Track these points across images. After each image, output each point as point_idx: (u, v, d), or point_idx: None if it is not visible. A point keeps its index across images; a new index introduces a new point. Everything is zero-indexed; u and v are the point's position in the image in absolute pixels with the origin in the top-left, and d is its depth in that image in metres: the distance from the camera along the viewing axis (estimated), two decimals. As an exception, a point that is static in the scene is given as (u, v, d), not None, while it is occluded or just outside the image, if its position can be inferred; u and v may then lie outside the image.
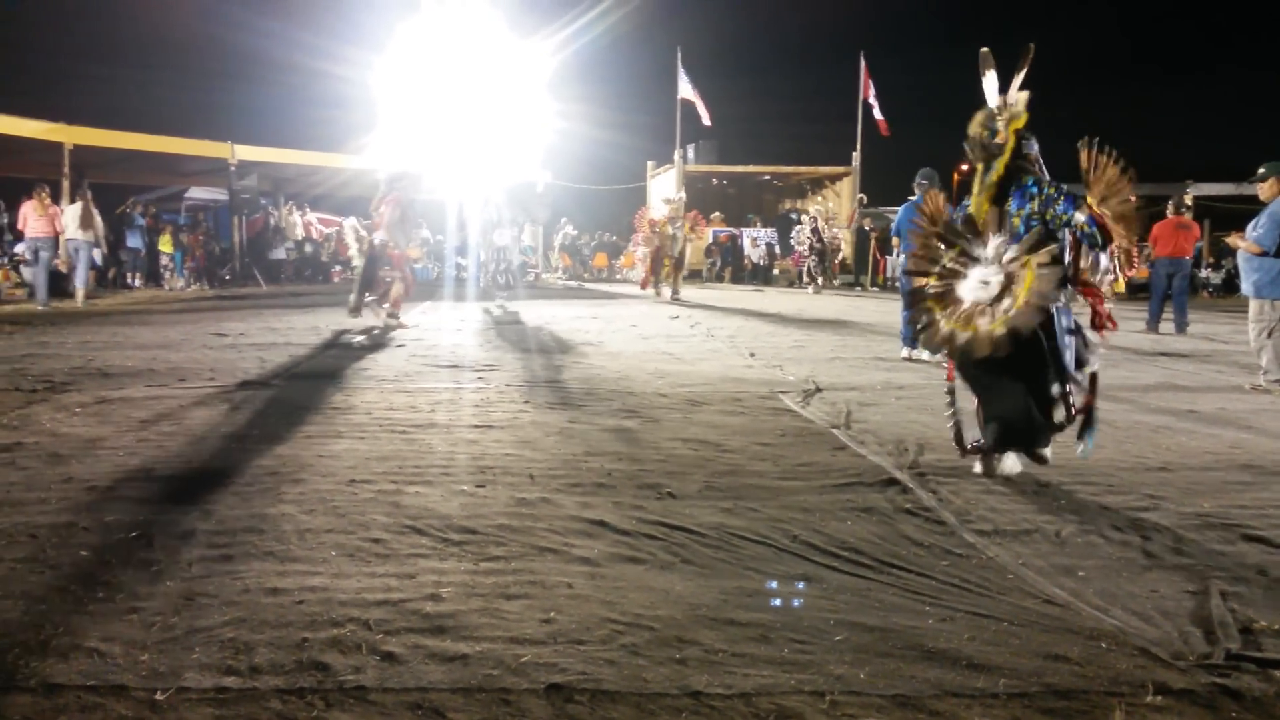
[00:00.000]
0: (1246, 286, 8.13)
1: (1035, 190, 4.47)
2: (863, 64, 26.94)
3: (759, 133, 36.52)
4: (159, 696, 2.39)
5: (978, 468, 4.71)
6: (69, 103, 22.00)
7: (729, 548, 3.60)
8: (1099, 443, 5.39)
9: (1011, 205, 4.50)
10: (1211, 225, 25.60)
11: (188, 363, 8.30)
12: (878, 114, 26.98)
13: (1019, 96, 4.55)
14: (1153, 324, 12.88)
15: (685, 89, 26.72)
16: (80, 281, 16.19)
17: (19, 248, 17.82)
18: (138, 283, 20.59)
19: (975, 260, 4.43)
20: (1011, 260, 4.29)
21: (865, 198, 25.76)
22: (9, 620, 2.82)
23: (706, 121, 26.80)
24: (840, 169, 27.74)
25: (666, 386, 7.30)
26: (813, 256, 22.30)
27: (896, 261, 13.64)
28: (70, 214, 15.99)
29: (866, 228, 24.65)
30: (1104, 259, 4.51)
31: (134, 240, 20.45)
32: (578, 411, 6.23)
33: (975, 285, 4.35)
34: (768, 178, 30.28)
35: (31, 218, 15.33)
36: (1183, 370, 8.85)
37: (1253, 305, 7.99)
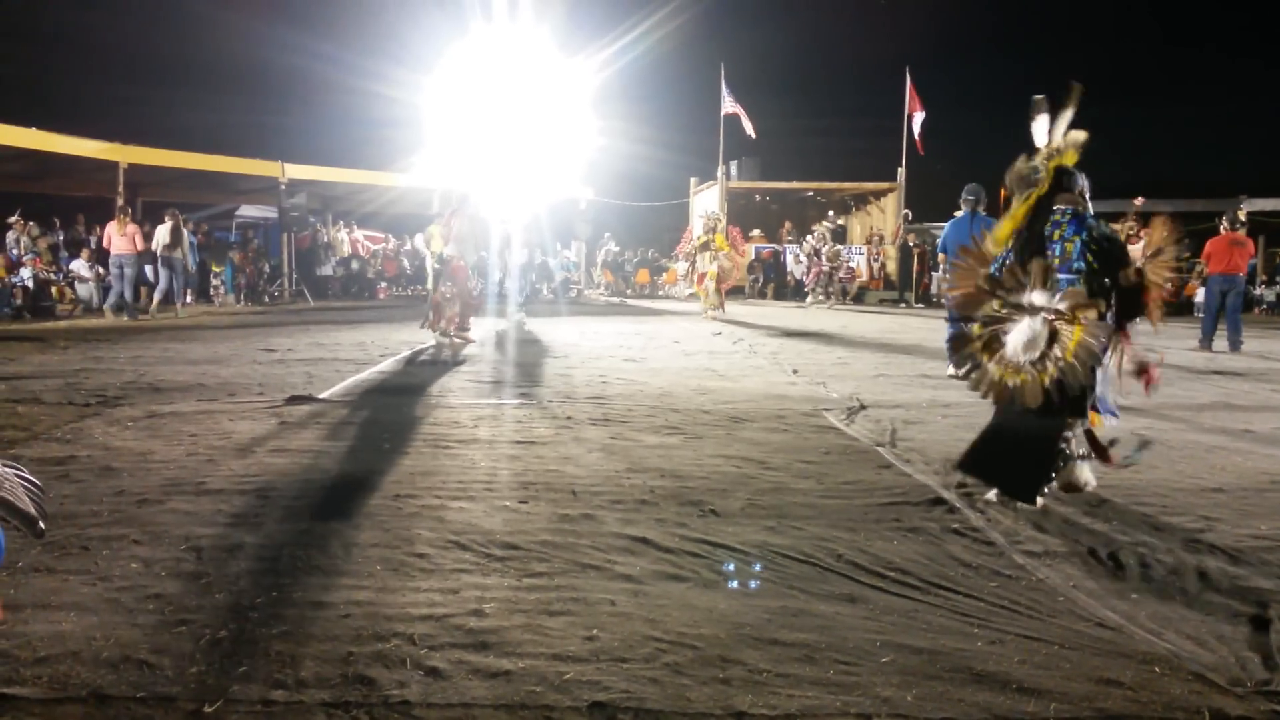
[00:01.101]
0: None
1: (1093, 222, 4.44)
2: (908, 80, 26.80)
3: (802, 149, 36.32)
4: (207, 709, 2.42)
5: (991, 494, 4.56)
6: (124, 124, 22.48)
7: (773, 567, 3.57)
8: (1152, 462, 5.30)
9: (1067, 230, 4.43)
10: (1266, 241, 25.10)
11: (237, 378, 8.43)
12: (918, 131, 26.80)
13: (1072, 138, 4.49)
14: (1206, 342, 12.64)
15: (728, 105, 26.72)
16: (160, 294, 17.22)
17: (74, 264, 18.27)
18: (189, 299, 20.95)
19: (1021, 308, 4.37)
20: (1058, 312, 4.23)
21: (910, 213, 25.60)
22: (61, 631, 2.87)
23: (751, 134, 26.73)
24: (885, 185, 27.57)
25: (709, 403, 7.28)
26: (817, 271, 22.38)
27: (942, 278, 13.51)
28: (160, 232, 17.15)
29: (911, 244, 24.49)
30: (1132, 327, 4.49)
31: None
32: (620, 428, 6.23)
33: (1023, 337, 4.29)
34: (811, 194, 30.16)
35: (115, 236, 16.48)
36: (1237, 389, 8.67)
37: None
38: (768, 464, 5.24)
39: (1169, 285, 4.49)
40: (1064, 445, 4.43)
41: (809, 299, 22.29)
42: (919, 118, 26.58)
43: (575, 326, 14.89)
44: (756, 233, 28.12)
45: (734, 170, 27.83)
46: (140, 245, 16.70)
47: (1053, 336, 4.20)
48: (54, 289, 17.56)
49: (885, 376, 9.11)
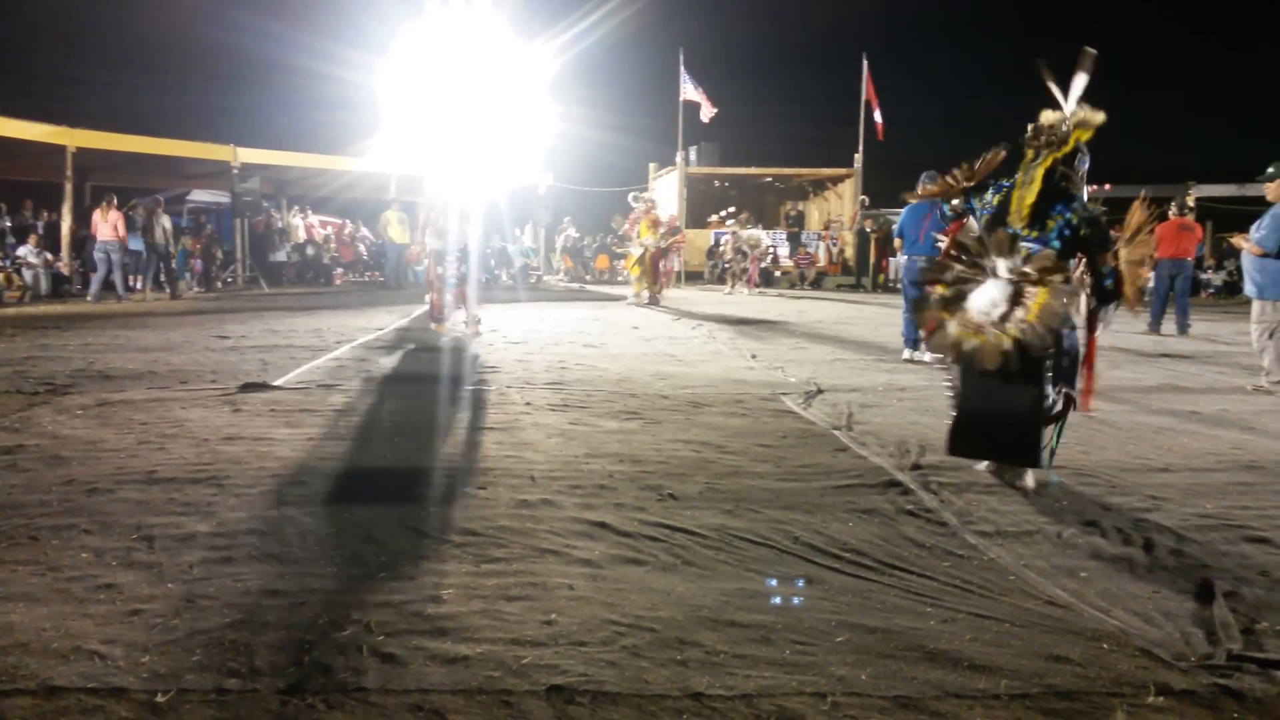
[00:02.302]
0: (1249, 288, 8.12)
1: (1079, 207, 4.43)
2: (865, 66, 26.95)
3: (761, 135, 36.51)
4: (160, 698, 2.39)
5: (981, 465, 4.70)
6: (71, 106, 22.04)
7: (730, 549, 3.59)
8: (1100, 443, 5.40)
9: (1056, 207, 4.42)
10: (1214, 227, 25.59)
11: (189, 365, 8.31)
12: (878, 118, 26.99)
13: (1097, 116, 4.42)
14: (1154, 325, 12.88)
15: (687, 91, 26.70)
16: (118, 283, 17.71)
17: (21, 250, 17.90)
18: (139, 285, 20.60)
19: (987, 271, 4.39)
20: (1025, 275, 4.25)
21: (867, 199, 25.78)
22: (11, 622, 2.82)
23: (711, 111, 26.66)
24: (842, 171, 27.75)
25: (668, 388, 7.29)
26: (736, 258, 22.56)
27: (898, 263, 13.63)
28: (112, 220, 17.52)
29: (868, 229, 24.66)
30: (1109, 310, 4.49)
31: (135, 243, 20.45)
32: (579, 413, 6.23)
33: (986, 296, 4.30)
34: (770, 180, 30.28)
35: (100, 224, 17.18)
36: (1185, 371, 8.85)
37: (1255, 306, 7.98)
38: (726, 448, 5.27)
39: (1146, 269, 4.50)
40: (1049, 401, 4.46)
41: (728, 288, 22.31)
42: (876, 109, 26.78)
43: (534, 312, 14.84)
44: (714, 218, 28.16)
45: (693, 156, 27.84)
46: (123, 232, 17.31)
47: (1016, 298, 4.21)
48: (0, 276, 17.18)
49: (842, 361, 9.19)
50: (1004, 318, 4.20)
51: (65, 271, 18.78)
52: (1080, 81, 4.46)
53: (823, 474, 4.74)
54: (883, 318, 14.09)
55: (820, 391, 7.22)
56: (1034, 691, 2.50)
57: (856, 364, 8.98)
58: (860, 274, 25.32)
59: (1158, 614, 3.03)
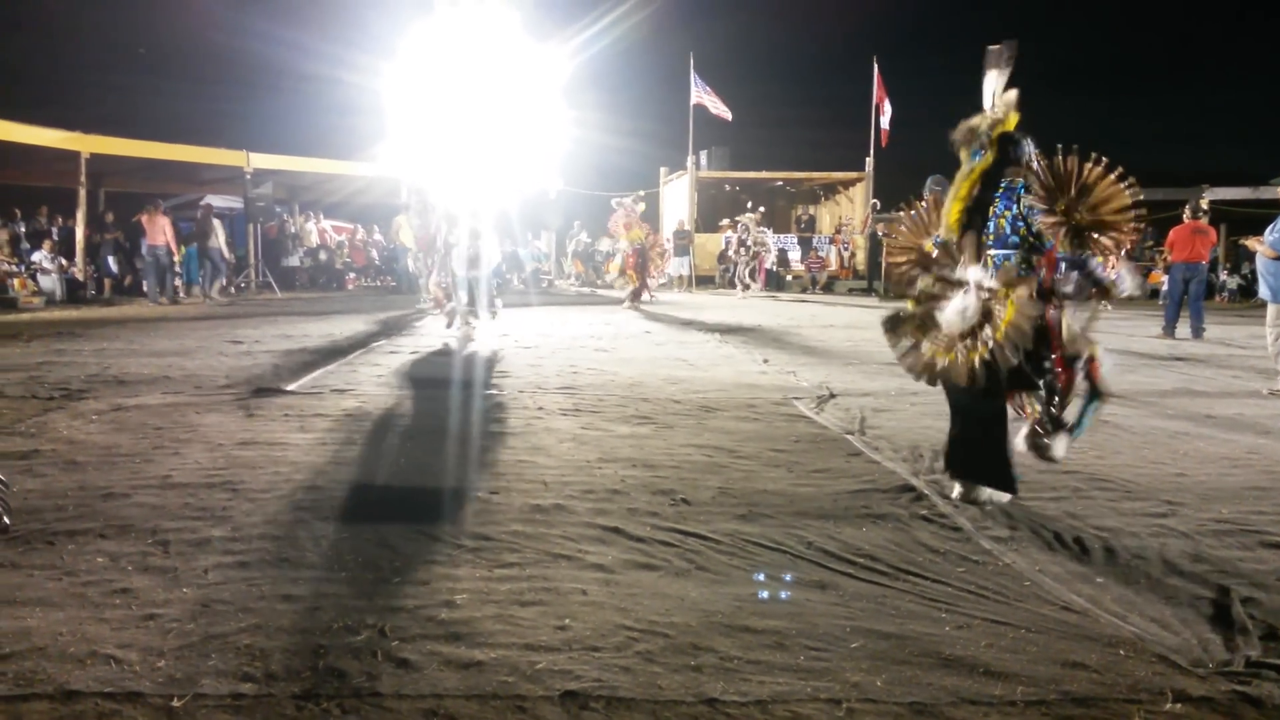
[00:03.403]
0: (1264, 291, 8.08)
1: (1023, 192, 4.28)
2: (875, 70, 26.91)
3: (772, 139, 36.42)
4: (175, 703, 2.40)
5: (956, 492, 4.42)
6: (85, 112, 22.14)
7: (744, 554, 3.59)
8: (1115, 448, 5.37)
9: (998, 206, 4.31)
10: (1228, 230, 25.44)
11: (203, 370, 8.34)
12: (885, 123, 26.93)
13: (1006, 99, 4.35)
14: (1169, 329, 12.80)
15: (697, 95, 26.69)
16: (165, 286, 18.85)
17: (36, 256, 18.01)
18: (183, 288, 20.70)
19: (954, 285, 4.26)
20: (991, 290, 4.13)
21: (879, 203, 25.73)
22: (27, 626, 2.83)
23: (728, 116, 26.59)
24: (853, 175, 27.71)
25: (680, 393, 7.29)
26: (742, 261, 22.51)
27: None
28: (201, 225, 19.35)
29: (880, 234, 24.61)
30: (1098, 269, 4.33)
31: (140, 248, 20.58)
32: (591, 418, 6.23)
33: (955, 313, 4.17)
34: (780, 183, 30.25)
35: (148, 228, 17.92)
36: (1200, 375, 8.80)
37: (1270, 310, 7.94)
38: (738, 453, 5.27)
39: (1126, 229, 4.25)
40: (1022, 416, 4.38)
41: (739, 292, 22.30)
42: (886, 110, 26.72)
43: (545, 317, 14.85)
44: (725, 222, 28.15)
45: (704, 160, 27.85)
46: (170, 236, 18.14)
47: (985, 315, 4.09)
48: (15, 281, 17.29)
49: (854, 365, 9.17)
50: (973, 333, 4.11)
51: (79, 277, 18.89)
52: (992, 80, 4.39)
53: (835, 479, 4.73)
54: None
55: (833, 396, 7.20)
56: (1050, 698, 2.48)
57: (869, 368, 8.95)
58: (872, 278, 25.25)
59: (1174, 620, 3.01)
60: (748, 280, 22.63)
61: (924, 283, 4.40)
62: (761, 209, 24.99)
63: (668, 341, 11.31)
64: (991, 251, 4.31)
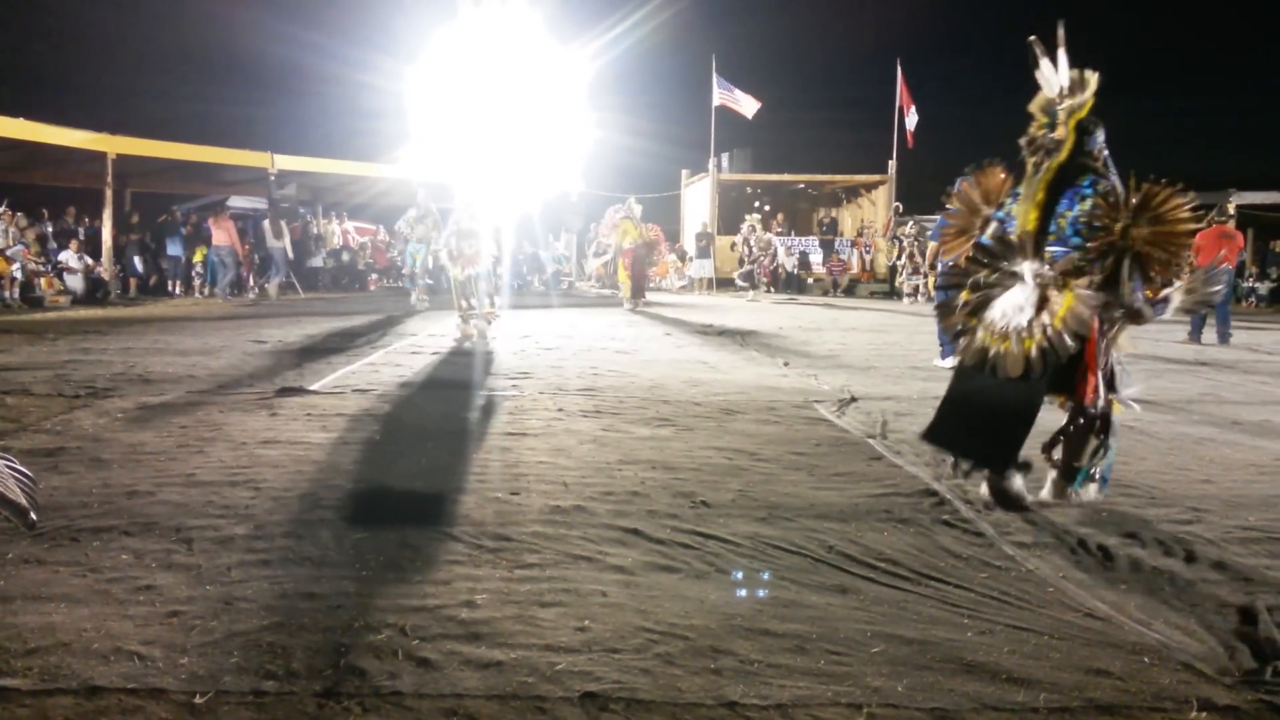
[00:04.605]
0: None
1: (1090, 191, 4.12)
2: (899, 72, 26.82)
3: (794, 141, 36.33)
4: (198, 700, 2.42)
5: (985, 490, 4.31)
6: (112, 113, 22.44)
7: (764, 557, 3.58)
8: (1140, 454, 5.32)
9: (1060, 205, 4.19)
10: (1255, 234, 25.19)
11: (227, 369, 8.41)
12: (910, 125, 26.82)
13: (1087, 79, 4.15)
14: (1195, 334, 12.69)
15: (720, 97, 26.66)
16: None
17: (63, 255, 18.22)
18: (178, 290, 20.90)
19: (1012, 276, 4.21)
20: (1048, 281, 4.08)
21: (901, 206, 25.62)
22: (52, 623, 2.86)
23: (755, 106, 26.47)
24: (876, 177, 27.61)
25: (700, 395, 7.28)
26: (752, 264, 22.48)
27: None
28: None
29: (902, 236, 24.50)
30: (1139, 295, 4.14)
31: (174, 248, 20.78)
32: (612, 419, 6.24)
33: (1011, 305, 4.13)
34: (803, 186, 30.18)
35: (214, 230, 19.60)
36: (1226, 381, 8.71)
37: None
38: (759, 456, 5.25)
39: (1179, 245, 4.01)
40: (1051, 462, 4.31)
41: (749, 292, 22.28)
42: (911, 113, 26.62)
43: (566, 318, 14.88)
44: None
45: (725, 162, 27.81)
46: (234, 237, 19.69)
47: (1041, 303, 4.03)
48: (42, 280, 17.48)
49: (876, 368, 9.13)
50: (1029, 323, 4.07)
51: (105, 276, 19.08)
52: (1053, 64, 4.21)
53: (856, 482, 4.71)
54: (916, 325, 13.99)
55: (854, 399, 7.17)
56: (1074, 705, 2.46)
57: (890, 371, 8.91)
58: (894, 281, 25.16)
59: (1200, 627, 2.98)
60: (755, 281, 22.58)
61: (979, 274, 4.33)
62: (766, 208, 24.92)
63: (688, 344, 11.31)
64: (1050, 249, 4.20)
